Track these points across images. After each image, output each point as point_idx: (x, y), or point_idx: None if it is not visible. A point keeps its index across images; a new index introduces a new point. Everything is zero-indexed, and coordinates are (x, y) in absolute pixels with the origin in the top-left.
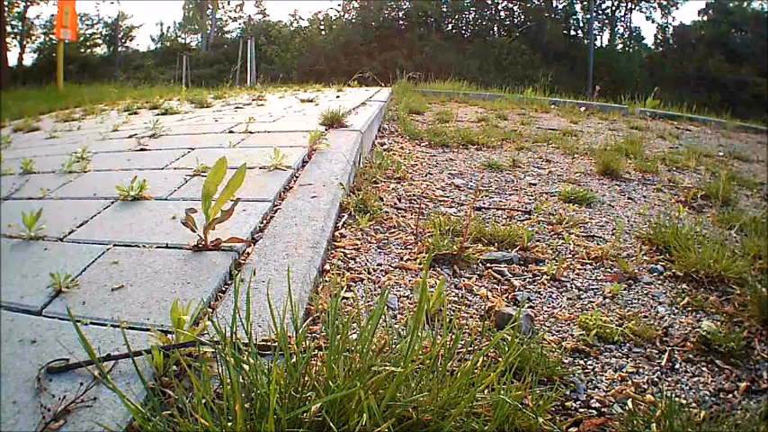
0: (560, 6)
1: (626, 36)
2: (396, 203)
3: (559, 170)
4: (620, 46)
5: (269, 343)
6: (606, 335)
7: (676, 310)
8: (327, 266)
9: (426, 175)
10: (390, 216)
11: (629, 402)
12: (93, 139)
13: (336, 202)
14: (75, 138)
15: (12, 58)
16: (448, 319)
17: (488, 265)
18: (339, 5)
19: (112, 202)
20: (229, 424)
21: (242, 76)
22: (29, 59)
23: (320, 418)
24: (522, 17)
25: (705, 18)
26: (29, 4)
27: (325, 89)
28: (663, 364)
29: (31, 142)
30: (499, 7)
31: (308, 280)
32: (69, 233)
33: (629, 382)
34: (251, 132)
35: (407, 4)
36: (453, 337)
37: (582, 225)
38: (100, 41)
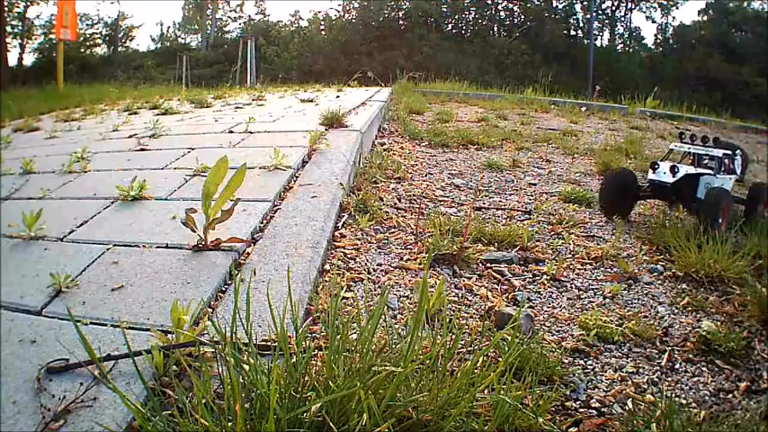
0: (560, 6)
1: (626, 36)
2: (396, 203)
3: (559, 170)
4: (620, 46)
5: (269, 343)
6: (606, 335)
7: (676, 310)
8: (327, 266)
9: (426, 175)
10: (390, 216)
11: (629, 402)
12: (93, 139)
13: (336, 202)
14: (75, 138)
15: (12, 58)
16: (448, 319)
17: (488, 265)
18: (339, 5)
19: (112, 202)
20: (229, 424)
21: (242, 77)
22: (29, 59)
23: (320, 418)
24: (522, 17)
25: (705, 18)
26: (29, 4)
27: (325, 89)
28: (663, 364)
29: (31, 142)
30: (499, 7)
31: (308, 280)
32: (69, 233)
33: (629, 382)
34: (251, 132)
35: (407, 4)
36: (453, 337)
37: (582, 225)
38: (100, 41)
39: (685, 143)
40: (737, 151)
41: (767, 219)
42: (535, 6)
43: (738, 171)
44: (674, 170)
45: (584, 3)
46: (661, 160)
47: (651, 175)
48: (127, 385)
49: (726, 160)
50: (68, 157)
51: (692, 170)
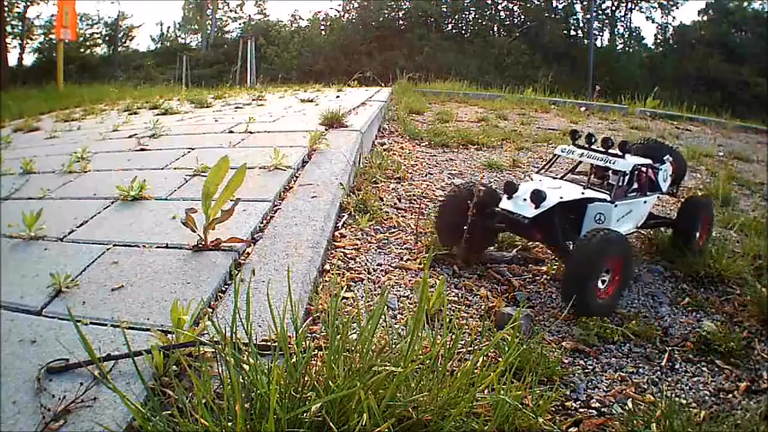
0: (560, 6)
1: (626, 36)
2: (396, 203)
3: (560, 170)
4: (620, 46)
5: (269, 343)
6: (606, 335)
7: (676, 310)
8: (327, 266)
9: (426, 175)
10: (390, 216)
11: (629, 402)
12: (93, 139)
13: (336, 202)
14: (75, 138)
15: (12, 59)
16: (448, 319)
17: (488, 265)
18: (339, 5)
19: (112, 202)
20: (229, 424)
21: (242, 77)
22: (29, 59)
23: (320, 418)
24: (522, 17)
25: (705, 18)
26: (29, 4)
27: (325, 89)
28: (663, 364)
29: (31, 142)
30: (499, 7)
31: (308, 280)
32: (69, 233)
33: (629, 382)
34: (251, 132)
35: (407, 4)
36: (453, 337)
37: None
38: (100, 41)
39: (580, 147)
40: (666, 157)
41: (704, 247)
42: (535, 6)
43: (665, 185)
44: (537, 197)
45: (584, 3)
46: (539, 172)
47: (504, 203)
48: (127, 385)
49: (643, 173)
50: (68, 157)
51: (570, 195)
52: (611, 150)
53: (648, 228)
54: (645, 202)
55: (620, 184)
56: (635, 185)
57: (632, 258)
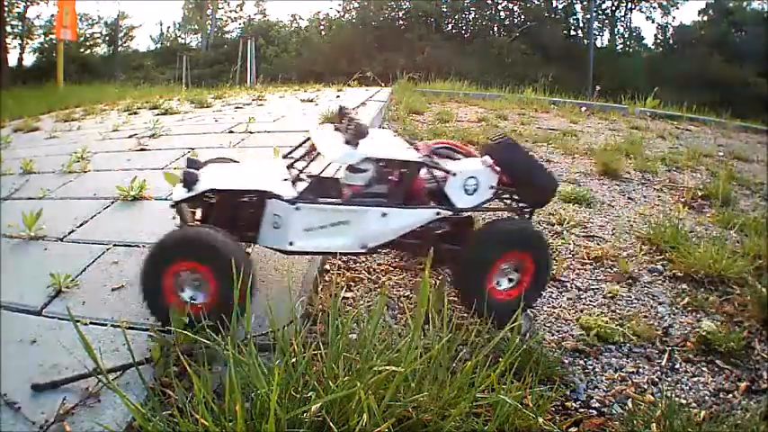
0: (560, 6)
1: (626, 36)
2: None
3: (559, 170)
4: (620, 46)
5: (269, 343)
6: (606, 335)
7: (676, 310)
8: (327, 266)
9: None
10: None
11: (629, 402)
12: (93, 139)
13: None
14: (75, 138)
15: (12, 59)
16: (448, 319)
17: None
18: (339, 5)
19: (112, 202)
20: (229, 424)
21: (242, 76)
22: (29, 59)
23: (320, 418)
24: (522, 17)
25: (705, 18)
26: (29, 4)
27: (325, 89)
28: (663, 364)
29: (31, 142)
30: (499, 7)
31: (308, 280)
32: (69, 233)
33: (629, 382)
34: (251, 132)
35: (407, 3)
36: (453, 337)
37: (582, 225)
38: (100, 41)
39: (336, 128)
40: (484, 159)
41: (523, 302)
42: (535, 6)
43: (464, 200)
44: (189, 178)
45: (584, 3)
46: (285, 156)
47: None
48: (127, 385)
49: (400, 173)
50: (68, 157)
51: (240, 183)
52: (351, 124)
53: (411, 252)
54: (384, 214)
55: (328, 177)
56: (378, 188)
57: (250, 275)
